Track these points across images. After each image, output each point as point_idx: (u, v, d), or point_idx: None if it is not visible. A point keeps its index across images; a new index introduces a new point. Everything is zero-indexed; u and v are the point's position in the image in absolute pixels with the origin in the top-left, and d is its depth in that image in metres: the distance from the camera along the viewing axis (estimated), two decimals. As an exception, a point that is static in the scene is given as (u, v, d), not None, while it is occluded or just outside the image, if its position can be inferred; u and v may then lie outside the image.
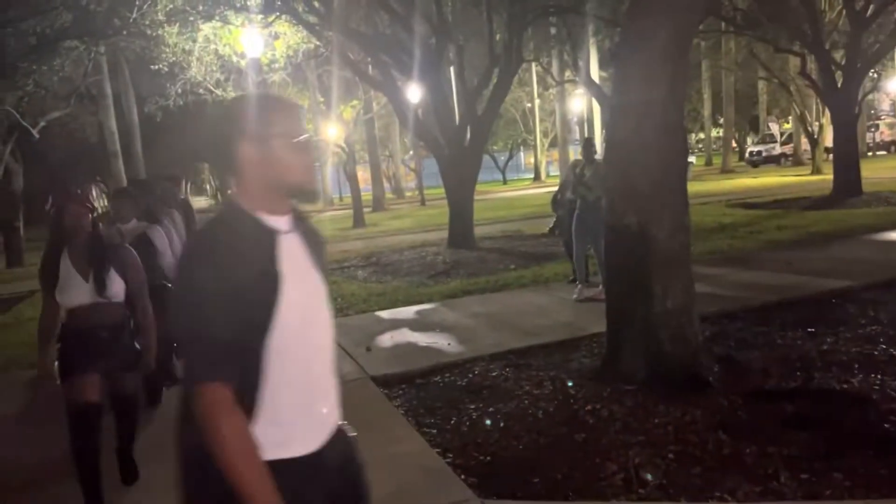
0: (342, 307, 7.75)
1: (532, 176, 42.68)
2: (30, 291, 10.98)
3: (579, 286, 7.05)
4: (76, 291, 3.09)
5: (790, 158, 33.12)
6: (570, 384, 4.45)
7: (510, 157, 47.16)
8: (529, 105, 40.07)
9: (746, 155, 36.80)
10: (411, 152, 39.25)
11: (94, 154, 23.65)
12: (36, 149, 19.38)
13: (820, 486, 2.95)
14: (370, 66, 16.83)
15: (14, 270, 15.02)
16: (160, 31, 14.98)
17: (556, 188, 8.49)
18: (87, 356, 3.13)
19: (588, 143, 7.23)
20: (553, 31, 17.44)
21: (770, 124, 36.01)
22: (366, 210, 21.70)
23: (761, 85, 33.66)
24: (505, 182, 43.26)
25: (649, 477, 3.13)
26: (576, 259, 7.14)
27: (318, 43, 16.57)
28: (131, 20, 13.46)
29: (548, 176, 41.41)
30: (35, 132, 16.30)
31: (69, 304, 3.11)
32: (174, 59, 16.70)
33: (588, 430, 3.73)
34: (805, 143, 29.01)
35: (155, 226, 4.82)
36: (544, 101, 39.97)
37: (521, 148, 47.67)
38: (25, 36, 12.58)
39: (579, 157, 7.34)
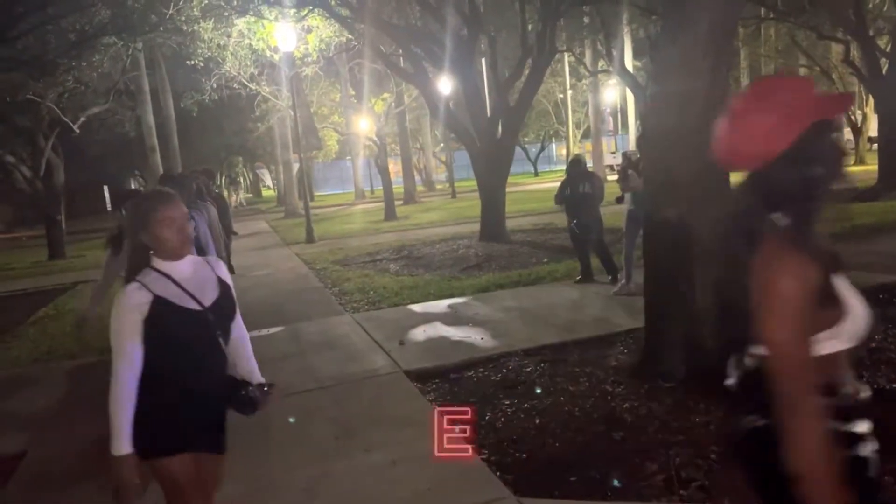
0: (374, 300, 7.75)
1: (564, 168, 42.29)
2: (73, 283, 11.27)
3: (622, 281, 6.94)
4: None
5: (832, 148, 32.15)
6: (607, 381, 4.37)
7: (542, 149, 46.83)
8: (561, 96, 39.59)
9: (786, 145, 35.86)
10: (442, 145, 39.21)
11: (133, 148, 24.13)
12: (76, 144, 19.86)
13: (871, 491, 2.83)
14: (402, 59, 16.81)
15: (56, 262, 15.40)
16: (196, 27, 15.19)
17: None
18: None
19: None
20: (586, 20, 17.19)
21: (811, 113, 34.98)
22: (397, 203, 21.72)
23: (803, 73, 32.70)
24: (536, 174, 42.99)
25: (691, 478, 3.05)
26: (625, 257, 6.99)
27: (350, 36, 16.60)
28: (168, 16, 13.65)
29: (580, 168, 40.93)
30: (75, 127, 16.69)
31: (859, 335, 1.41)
32: (209, 54, 16.94)
33: (626, 428, 3.65)
34: (848, 133, 28.19)
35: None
36: (577, 91, 39.47)
37: (553, 139, 47.27)
38: (65, 33, 12.86)
39: (613, 150, 7.25)
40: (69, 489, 3.57)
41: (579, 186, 7.40)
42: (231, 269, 8.64)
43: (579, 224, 7.41)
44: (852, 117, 24.25)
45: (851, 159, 24.96)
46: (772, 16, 17.22)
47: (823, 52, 24.14)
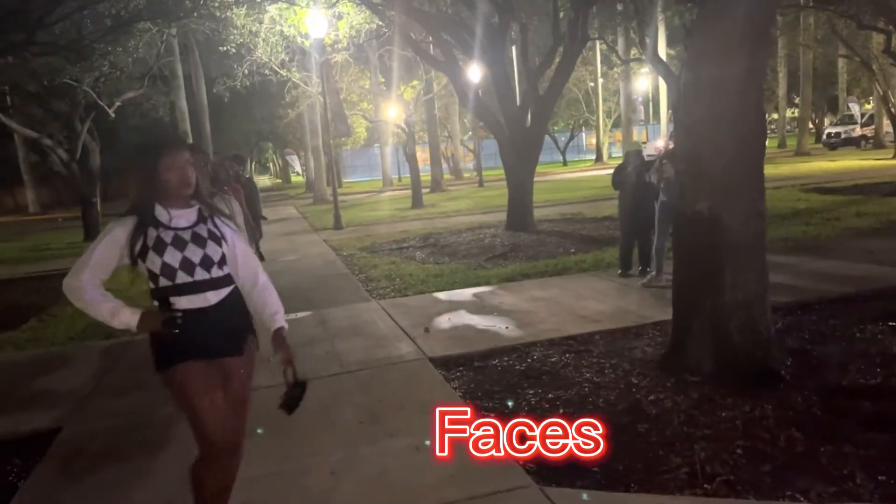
0: (401, 287, 7.80)
1: (594, 157, 41.88)
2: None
3: (652, 272, 6.85)
4: None
5: (871, 141, 31.38)
6: (632, 373, 4.35)
7: (571, 138, 46.39)
8: (592, 84, 39.17)
9: (824, 137, 35.09)
10: (470, 133, 39.06)
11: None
12: (111, 128, 20.24)
13: (901, 491, 2.79)
14: (432, 46, 16.76)
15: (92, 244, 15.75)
16: (229, 13, 15.32)
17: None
18: None
19: None
20: (619, 7, 16.91)
21: (850, 105, 34.10)
22: (424, 191, 21.75)
23: (841, 63, 31.88)
24: (565, 163, 42.61)
25: (716, 472, 3.03)
26: (657, 248, 6.87)
27: (380, 23, 16.60)
28: (201, 2, 13.79)
29: (610, 157, 40.57)
30: (111, 112, 16.99)
31: None
32: (241, 40, 17.09)
33: (651, 421, 3.63)
34: (887, 125, 27.43)
35: None
36: (608, 80, 38.99)
37: (583, 128, 46.78)
38: (101, 18, 13.08)
39: (640, 140, 7.12)
40: (103, 465, 3.68)
41: (646, 175, 7.20)
42: (261, 257, 8.82)
43: (647, 211, 7.10)
44: (893, 109, 23.52)
45: (891, 153, 24.28)
46: (811, 4, 16.76)
47: (864, 41, 23.46)
